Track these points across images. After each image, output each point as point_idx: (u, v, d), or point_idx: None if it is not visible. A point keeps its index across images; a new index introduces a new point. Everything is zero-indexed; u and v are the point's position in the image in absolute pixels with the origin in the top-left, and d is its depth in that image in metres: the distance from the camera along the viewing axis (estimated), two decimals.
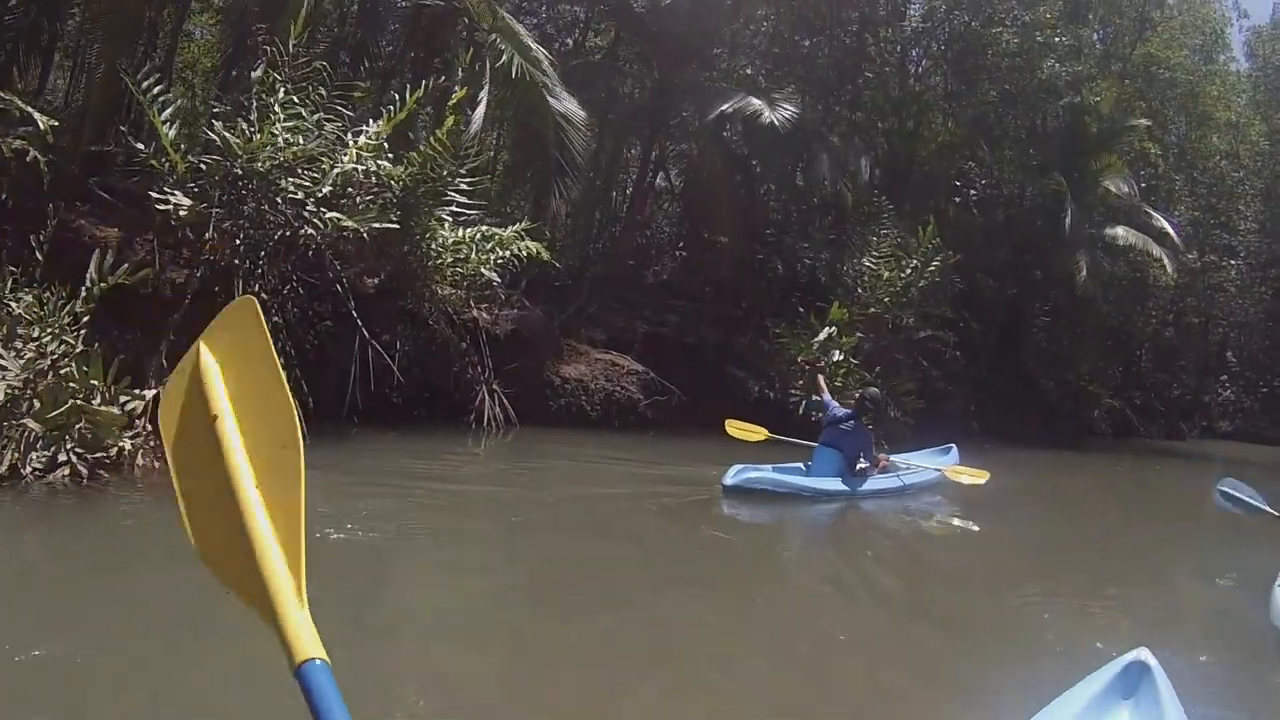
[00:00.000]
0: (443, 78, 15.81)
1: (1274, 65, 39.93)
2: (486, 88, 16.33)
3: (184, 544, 1.62)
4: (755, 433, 14.05)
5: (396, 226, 13.47)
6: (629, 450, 15.28)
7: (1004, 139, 28.39)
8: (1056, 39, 25.81)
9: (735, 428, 14.18)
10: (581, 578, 7.91)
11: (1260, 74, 40.85)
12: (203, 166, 12.30)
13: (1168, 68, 31.04)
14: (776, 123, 20.35)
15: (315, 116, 13.08)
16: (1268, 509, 8.52)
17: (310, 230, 12.70)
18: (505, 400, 15.62)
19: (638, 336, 19.21)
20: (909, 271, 20.93)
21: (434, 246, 14.59)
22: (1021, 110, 27.80)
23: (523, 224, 15.82)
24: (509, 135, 20.58)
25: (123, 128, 13.07)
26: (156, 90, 12.15)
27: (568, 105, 17.93)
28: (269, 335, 1.73)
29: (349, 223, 12.68)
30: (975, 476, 13.06)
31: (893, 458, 13.35)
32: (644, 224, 24.99)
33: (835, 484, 12.20)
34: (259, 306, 1.78)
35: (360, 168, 13.18)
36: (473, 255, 14.83)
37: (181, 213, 11.93)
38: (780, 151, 22.42)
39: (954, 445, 15.58)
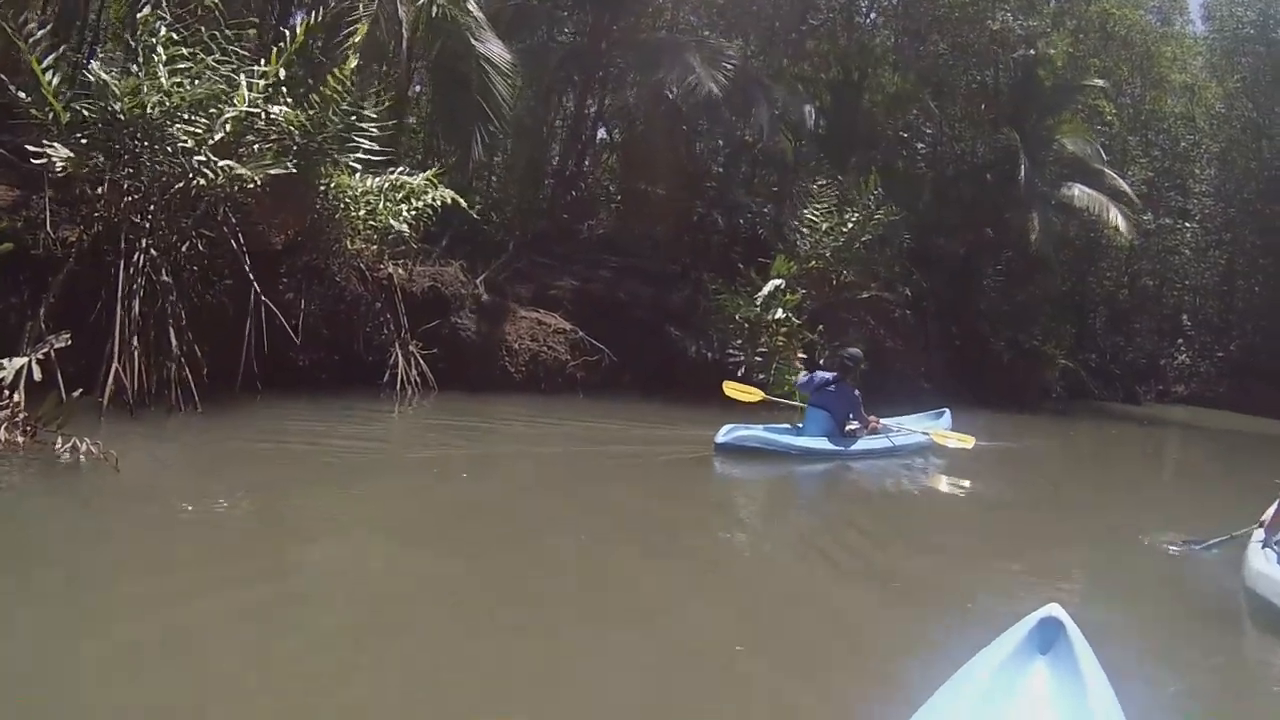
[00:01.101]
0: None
1: (1230, 29, 39.50)
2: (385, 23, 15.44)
3: None
4: (751, 394, 14.31)
5: (293, 172, 12.72)
6: (561, 412, 15.06)
7: (954, 93, 27.83)
8: None
9: (732, 388, 14.44)
10: (519, 538, 7.95)
11: (1216, 37, 40.33)
12: (85, 114, 11.61)
13: (1124, 26, 30.64)
14: (716, 90, 19.64)
15: (209, 58, 12.39)
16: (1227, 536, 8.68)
17: (201, 180, 12.02)
18: (423, 362, 14.93)
19: (567, 294, 18.34)
20: (851, 224, 20.26)
21: (340, 197, 13.88)
22: (973, 63, 27.17)
23: (433, 170, 15.13)
24: (430, 79, 19.78)
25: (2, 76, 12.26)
26: (39, 35, 11.46)
27: (493, 48, 17.15)
28: None
29: (242, 170, 11.97)
30: (962, 441, 13.43)
31: (884, 420, 13.65)
32: (578, 177, 24.23)
33: (824, 444, 12.68)
34: None
35: (254, 111, 12.47)
36: (380, 206, 14.12)
37: (58, 164, 11.24)
38: (720, 103, 21.74)
39: (947, 410, 15.68)
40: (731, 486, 11.91)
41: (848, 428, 12.98)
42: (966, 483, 12.80)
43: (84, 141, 11.63)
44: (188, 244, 12.36)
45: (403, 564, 6.97)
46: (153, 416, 10.84)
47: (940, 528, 10.44)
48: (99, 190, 11.82)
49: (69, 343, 9.89)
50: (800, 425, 12.99)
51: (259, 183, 12.23)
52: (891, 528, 10.15)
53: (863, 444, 13.00)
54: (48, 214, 11.69)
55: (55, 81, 11.23)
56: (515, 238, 19.93)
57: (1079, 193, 25.87)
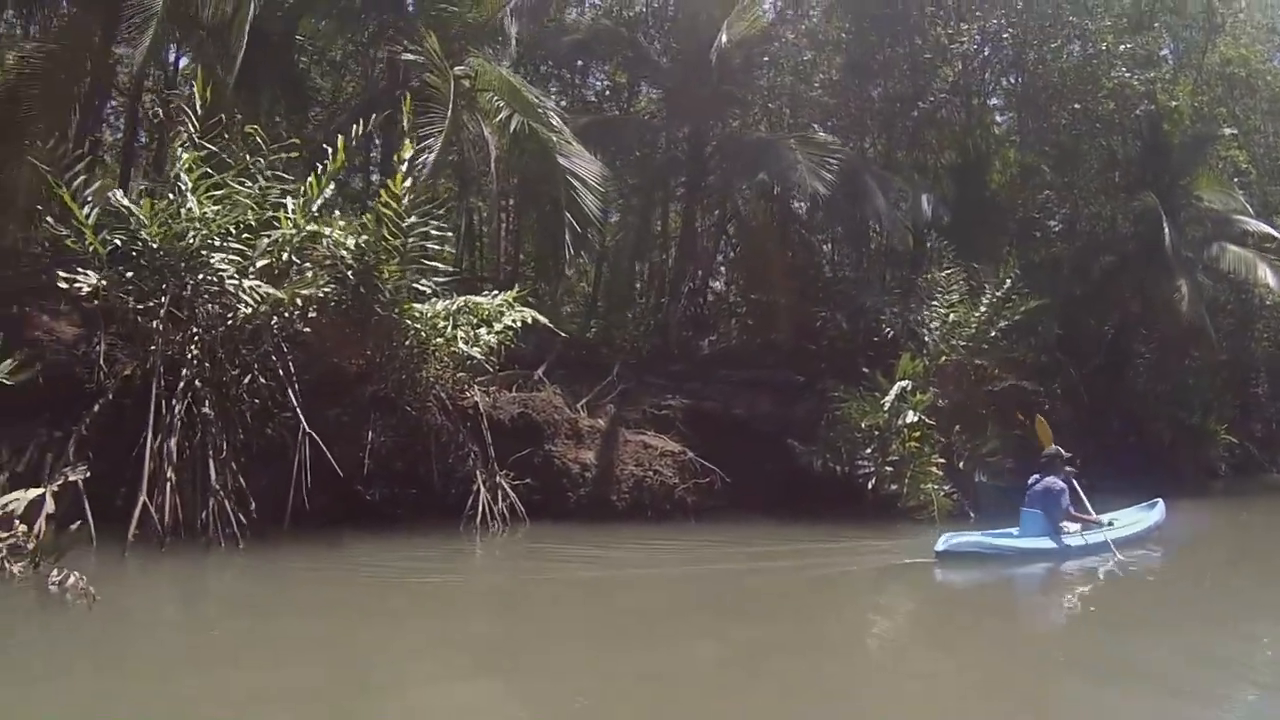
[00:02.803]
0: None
1: None
2: (442, 137, 14.82)
3: None
4: (1046, 438, 15.01)
5: (346, 297, 12.11)
6: (673, 536, 14.34)
7: (1082, 163, 26.25)
8: (1122, 46, 23.68)
9: (1042, 426, 15.43)
10: None
11: None
12: (118, 244, 11.28)
13: (1245, 68, 28.63)
14: (821, 188, 18.57)
15: (250, 184, 12.00)
16: None
17: (243, 309, 11.49)
18: (512, 493, 13.93)
19: (678, 414, 17.09)
20: (983, 310, 18.71)
21: (408, 323, 13.14)
22: (1098, 130, 25.45)
23: (513, 292, 14.35)
24: (517, 197, 19.29)
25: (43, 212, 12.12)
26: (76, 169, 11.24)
27: (579, 163, 16.50)
28: None
29: (279, 294, 11.39)
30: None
31: (1102, 516, 14.00)
32: (697, 292, 23.36)
33: (1044, 543, 13.06)
34: None
35: (295, 233, 11.93)
36: (448, 330, 13.31)
37: (84, 290, 11.11)
38: (831, 200, 20.72)
39: (1160, 500, 15.70)
40: (963, 596, 11.99)
41: (1061, 524, 13.23)
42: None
43: (128, 274, 11.30)
44: (249, 376, 11.86)
45: None
46: (188, 551, 10.55)
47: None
48: (154, 324, 11.69)
49: (87, 474, 9.96)
50: (1018, 529, 13.38)
51: (300, 305, 11.72)
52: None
53: (1080, 539, 13.27)
54: (102, 347, 11.71)
55: (93, 213, 10.98)
56: (622, 358, 18.92)
57: (1225, 251, 23.91)
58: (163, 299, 11.50)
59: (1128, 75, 23.33)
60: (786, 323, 20.81)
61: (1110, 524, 13.99)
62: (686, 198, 21.99)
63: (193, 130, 12.06)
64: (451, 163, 17.59)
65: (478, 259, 23.42)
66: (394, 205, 12.50)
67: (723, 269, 25.96)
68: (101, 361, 11.53)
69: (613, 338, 21.27)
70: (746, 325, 23.61)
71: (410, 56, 16.21)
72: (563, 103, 21.58)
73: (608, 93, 26.21)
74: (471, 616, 9.87)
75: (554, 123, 16.57)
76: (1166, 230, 22.55)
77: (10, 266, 13.40)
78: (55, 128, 12.71)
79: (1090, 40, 24.27)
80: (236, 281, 11.56)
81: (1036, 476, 13.67)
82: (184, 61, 19.40)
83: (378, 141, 19.24)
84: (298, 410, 11.75)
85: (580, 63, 24.65)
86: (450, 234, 14.09)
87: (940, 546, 12.24)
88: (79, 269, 11.23)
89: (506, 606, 10.71)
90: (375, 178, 15.31)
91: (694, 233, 22.51)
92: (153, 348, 11.47)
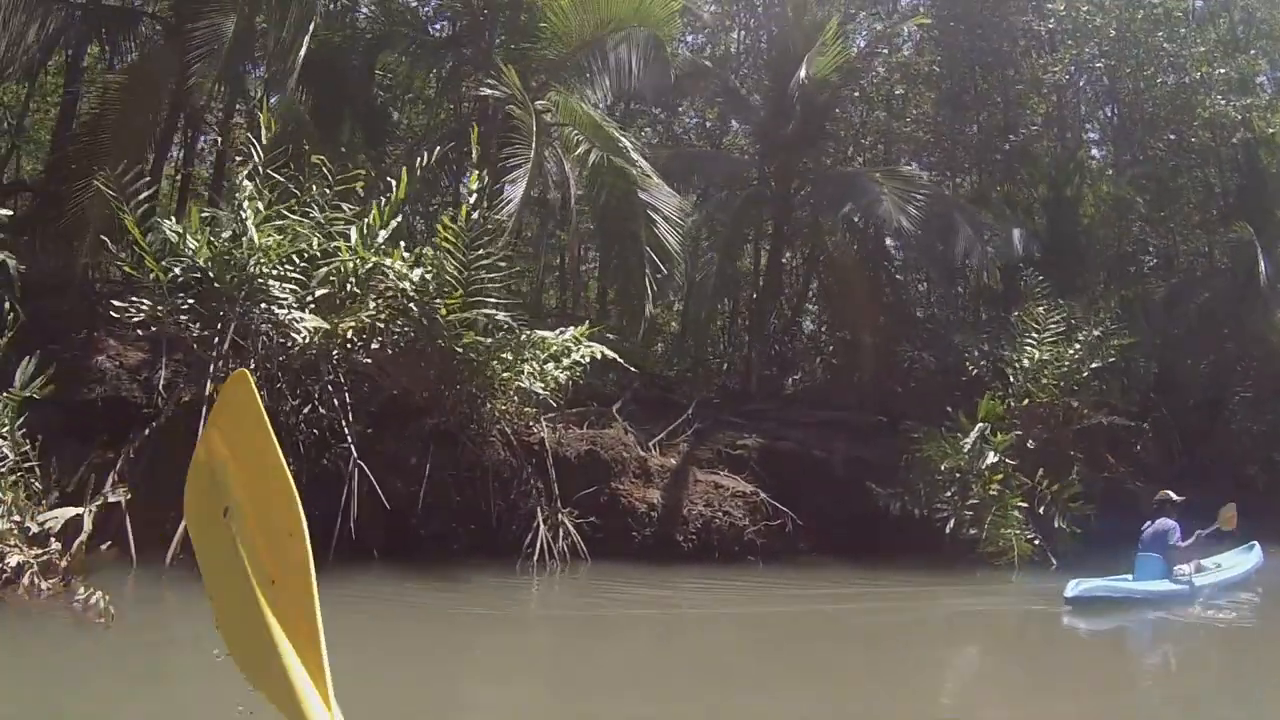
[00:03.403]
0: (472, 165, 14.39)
1: None
2: (529, 169, 14.83)
3: None
4: (1230, 521, 14.73)
5: (382, 323, 12.16)
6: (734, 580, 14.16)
7: (1177, 195, 25.53)
8: (1217, 72, 23.11)
9: (1227, 515, 14.78)
10: None
11: None
12: (177, 272, 11.48)
13: None
14: (906, 223, 18.43)
15: (313, 214, 12.16)
16: None
17: (296, 337, 11.61)
18: (574, 531, 13.77)
19: (753, 454, 16.76)
20: (1077, 348, 18.21)
21: (473, 356, 13.14)
22: (1194, 161, 24.97)
23: (583, 328, 14.28)
24: (598, 232, 19.29)
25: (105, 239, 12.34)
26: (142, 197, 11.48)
27: (660, 197, 16.46)
28: (264, 413, 1.92)
29: (322, 323, 11.47)
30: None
31: (1204, 561, 14.01)
32: (784, 329, 23.14)
33: (1166, 586, 13.20)
34: (251, 381, 2.00)
35: (356, 264, 12.02)
36: (515, 365, 13.28)
37: (138, 317, 11.07)
38: (923, 237, 20.38)
39: (1256, 543, 15.75)
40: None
41: (1175, 568, 13.28)
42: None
43: (189, 302, 11.48)
44: (308, 406, 11.97)
45: None
46: None
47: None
48: (210, 352, 11.93)
49: (128, 496, 10.21)
50: (1134, 573, 13.45)
51: (363, 337, 11.79)
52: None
53: (1198, 581, 13.44)
54: (163, 373, 12.14)
55: (158, 240, 11.25)
56: (700, 396, 18.73)
57: None
58: (218, 326, 11.63)
59: (1223, 103, 22.65)
60: (871, 362, 20.46)
61: (1217, 566, 14.22)
62: (774, 234, 21.76)
63: (259, 159, 12.26)
64: (535, 198, 17.62)
65: (568, 297, 23.54)
66: (453, 238, 12.53)
67: (811, 308, 25.72)
68: (161, 388, 11.73)
69: (695, 376, 21.12)
70: (831, 365, 23.34)
71: (490, 90, 16.30)
72: (654, 140, 21.64)
73: (701, 130, 26.23)
74: (512, 648, 9.74)
75: (634, 157, 16.54)
76: (1262, 262, 21.80)
77: (83, 294, 13.67)
78: (130, 157, 12.94)
79: (1185, 69, 23.69)
80: (285, 311, 11.64)
81: (1149, 522, 13.80)
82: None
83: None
84: (349, 441, 11.76)
85: (675, 101, 24.65)
86: (526, 269, 14.04)
87: (1070, 593, 12.38)
88: (137, 297, 11.42)
89: (560, 640, 10.70)
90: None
91: (780, 269, 22.31)
92: (215, 374, 11.59)
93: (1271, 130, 23.62)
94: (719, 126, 25.81)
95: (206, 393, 11.49)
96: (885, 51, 24.71)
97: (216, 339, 11.89)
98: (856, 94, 23.81)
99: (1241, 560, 15.04)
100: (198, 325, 11.96)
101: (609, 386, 17.07)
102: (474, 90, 17.10)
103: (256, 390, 2.00)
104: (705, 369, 21.54)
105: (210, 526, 1.90)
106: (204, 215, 12.18)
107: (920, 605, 13.40)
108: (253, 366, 11.78)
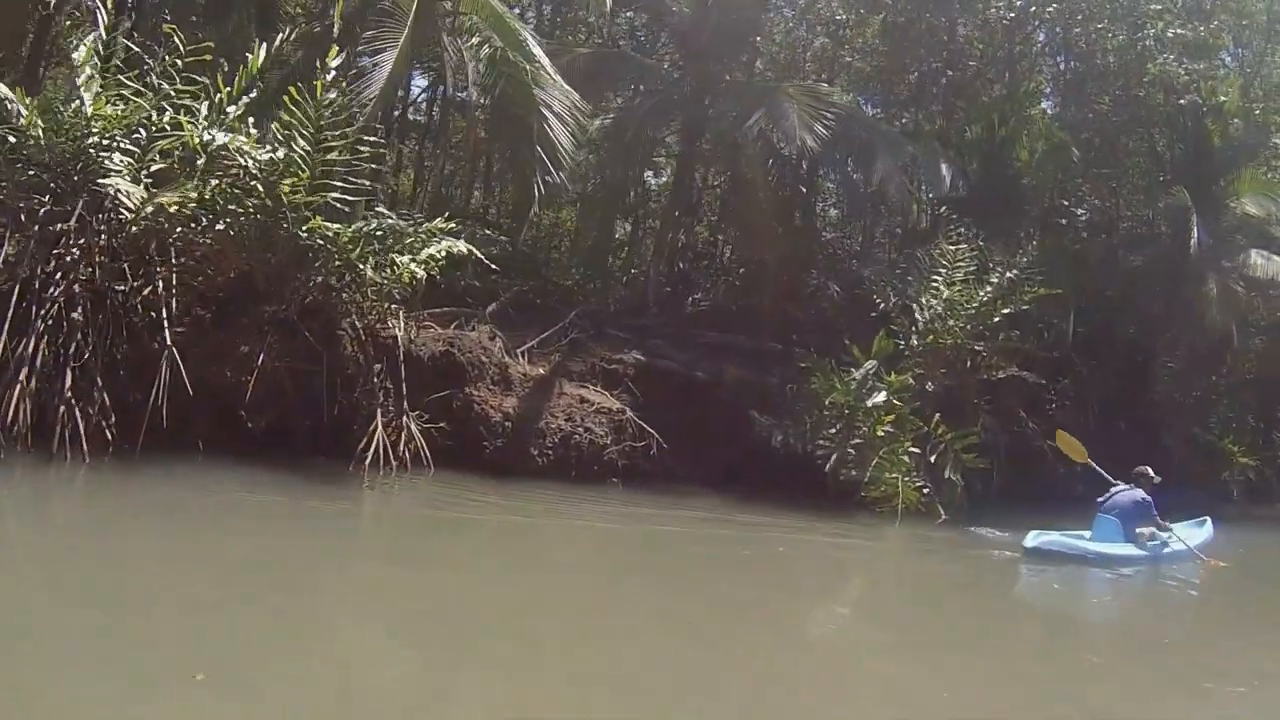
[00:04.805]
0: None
1: None
2: (397, 51, 14.57)
3: None
4: (1078, 452, 15.63)
5: (192, 198, 11.99)
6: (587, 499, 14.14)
7: (1124, 156, 25.72)
8: (1172, 32, 23.14)
9: (1063, 440, 15.86)
10: None
11: None
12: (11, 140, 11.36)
13: None
14: (811, 142, 17.97)
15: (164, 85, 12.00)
16: None
17: (125, 212, 11.47)
18: (419, 436, 13.72)
19: (629, 370, 16.68)
20: (987, 291, 18.09)
21: (323, 244, 12.99)
22: (1141, 117, 24.86)
23: (441, 219, 14.12)
24: (491, 127, 19.03)
25: None
26: None
27: (554, 94, 16.25)
28: None
29: (141, 194, 11.34)
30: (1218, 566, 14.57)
31: (1159, 532, 14.49)
32: (688, 246, 23.04)
33: (1128, 549, 13.90)
34: None
35: (193, 139, 11.87)
36: (359, 253, 13.15)
37: None
38: (839, 162, 20.24)
39: (1208, 518, 16.52)
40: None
41: (1138, 531, 14.03)
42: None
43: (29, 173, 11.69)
44: (145, 286, 11.83)
45: None
46: (26, 463, 10.38)
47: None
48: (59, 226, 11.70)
49: None
50: (1091, 533, 14.04)
51: (210, 217, 11.69)
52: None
53: (1160, 549, 14.19)
54: (6, 247, 11.50)
55: None
56: (584, 306, 18.65)
57: (1266, 260, 23.16)
58: (45, 198, 11.48)
59: (1175, 64, 22.64)
60: (774, 287, 20.38)
61: (1172, 537, 14.70)
62: (683, 146, 21.51)
63: (104, 24, 12.07)
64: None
65: (458, 193, 23.30)
66: (300, 113, 12.34)
67: (722, 226, 25.48)
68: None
69: (596, 288, 21.02)
70: (735, 287, 23.23)
71: None
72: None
73: (634, 40, 25.80)
74: (302, 551, 9.72)
75: (533, 51, 16.29)
76: (1195, 229, 21.93)
77: None
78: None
79: (1139, 25, 23.76)
80: (115, 184, 11.47)
81: (1121, 486, 14.46)
82: None
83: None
84: (165, 324, 11.63)
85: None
86: (384, 154, 13.85)
87: (1029, 543, 13.15)
88: None
89: (348, 532, 11.05)
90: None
91: (690, 184, 22.12)
92: (30, 247, 11.42)
93: (1223, 99, 23.66)
94: (651, 36, 25.40)
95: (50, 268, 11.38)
96: None
97: (64, 213, 11.66)
98: (789, 10, 23.57)
99: (1194, 533, 15.51)
100: (48, 199, 11.73)
101: (490, 289, 16.96)
102: None
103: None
104: (607, 281, 21.36)
105: None
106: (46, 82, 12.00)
107: (771, 540, 13.36)
108: (75, 239, 11.65)
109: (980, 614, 11.13)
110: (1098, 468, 15.28)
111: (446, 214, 14.77)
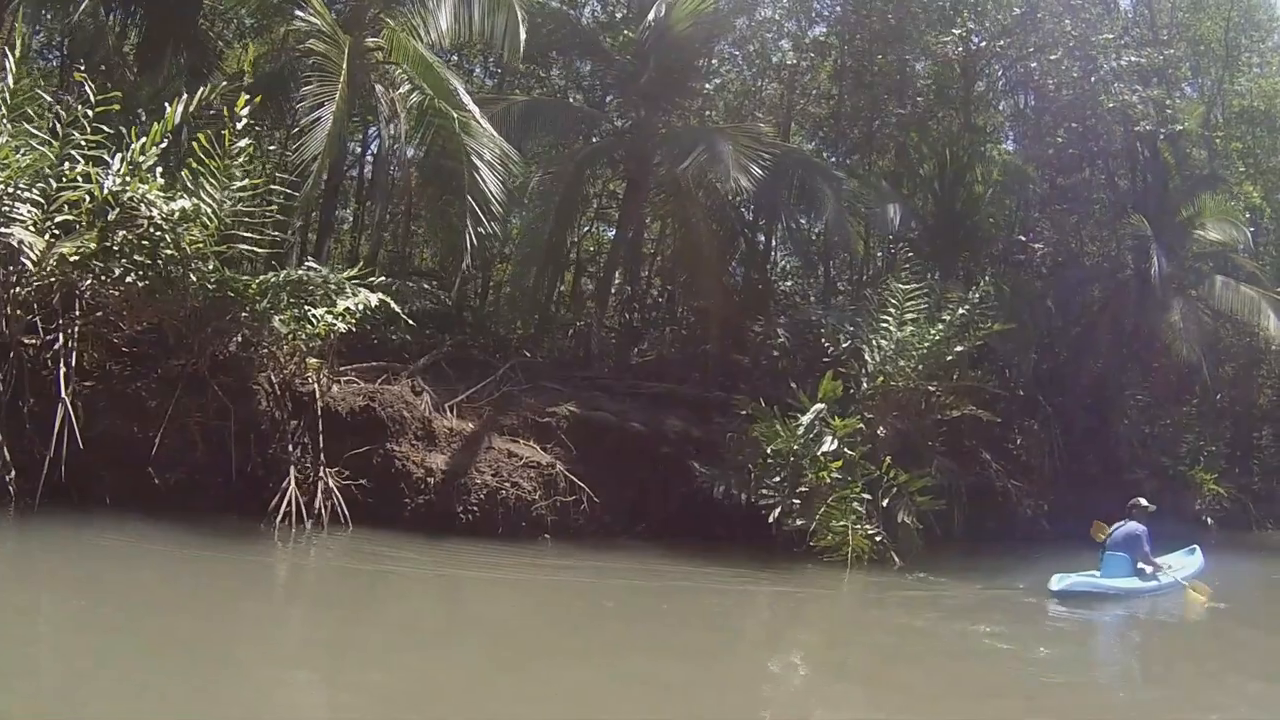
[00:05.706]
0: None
1: None
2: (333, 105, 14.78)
3: None
4: (1103, 532, 15.73)
5: (91, 249, 12.09)
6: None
7: (1082, 190, 25.94)
8: (1125, 60, 23.41)
9: (1098, 528, 15.92)
10: None
11: None
12: None
13: (1266, 101, 28.10)
14: (745, 183, 18.07)
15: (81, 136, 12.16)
16: None
17: (28, 264, 11.57)
18: (337, 493, 13.70)
19: (562, 423, 16.57)
20: (939, 329, 17.85)
21: (233, 295, 13.08)
22: (1095, 150, 25.25)
23: (352, 271, 14.20)
24: (422, 178, 19.20)
25: None
26: None
27: (484, 144, 16.40)
28: None
29: (40, 244, 11.42)
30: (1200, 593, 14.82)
31: (1159, 561, 15.31)
32: (634, 298, 23.17)
33: (1136, 583, 14.79)
34: None
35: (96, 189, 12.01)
36: (262, 304, 13.20)
37: None
38: (785, 204, 20.40)
39: (1198, 547, 17.26)
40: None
41: (1139, 565, 14.90)
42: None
43: None
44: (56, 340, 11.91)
45: None
46: None
47: None
48: None
49: None
50: (1100, 570, 14.76)
51: (116, 271, 11.78)
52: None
53: (1162, 579, 14.98)
54: None
55: None
56: (518, 360, 18.66)
57: (1230, 289, 23.46)
58: None
59: (1130, 93, 22.94)
60: (720, 334, 20.44)
61: (1169, 567, 15.48)
62: (627, 193, 21.64)
63: (10, 73, 12.24)
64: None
65: (393, 246, 23.44)
66: (212, 161, 12.50)
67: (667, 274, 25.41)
68: None
69: (541, 341, 21.11)
70: (681, 336, 23.31)
71: (301, 23, 16.17)
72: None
73: (578, 86, 26.01)
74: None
75: (462, 100, 16.48)
76: (1156, 257, 22.17)
77: None
78: None
79: (1092, 56, 24.02)
80: (16, 235, 11.58)
81: (1121, 522, 15.18)
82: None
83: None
84: (61, 378, 11.68)
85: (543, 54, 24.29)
86: (296, 207, 13.98)
87: (1055, 586, 13.76)
88: None
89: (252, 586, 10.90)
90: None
91: (631, 235, 22.27)
92: None
93: (1180, 126, 23.98)
94: (601, 85, 25.62)
95: None
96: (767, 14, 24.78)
97: None
98: (739, 54, 23.85)
99: (1188, 562, 16.41)
100: None
101: (426, 343, 17.06)
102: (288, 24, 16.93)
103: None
104: (550, 332, 21.45)
105: None
106: None
107: (707, 592, 13.31)
108: (8, 296, 11.77)
109: (917, 659, 10.74)
110: (1110, 529, 15.54)
111: (373, 268, 14.85)
